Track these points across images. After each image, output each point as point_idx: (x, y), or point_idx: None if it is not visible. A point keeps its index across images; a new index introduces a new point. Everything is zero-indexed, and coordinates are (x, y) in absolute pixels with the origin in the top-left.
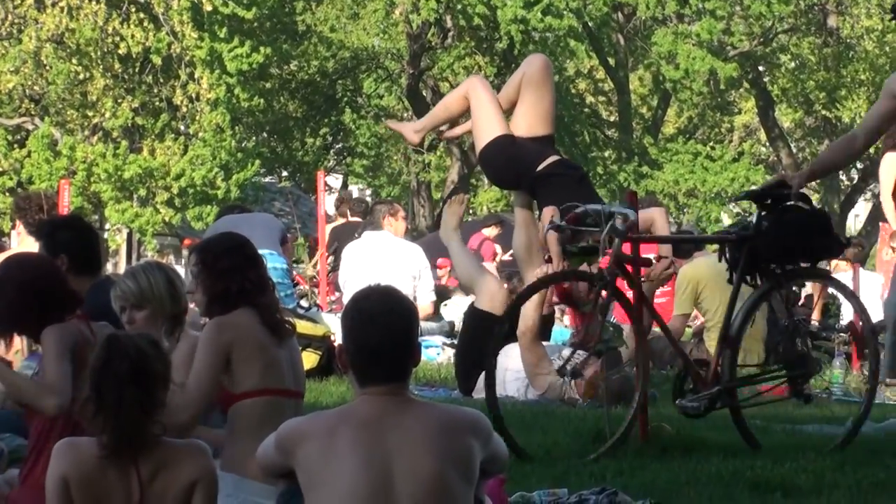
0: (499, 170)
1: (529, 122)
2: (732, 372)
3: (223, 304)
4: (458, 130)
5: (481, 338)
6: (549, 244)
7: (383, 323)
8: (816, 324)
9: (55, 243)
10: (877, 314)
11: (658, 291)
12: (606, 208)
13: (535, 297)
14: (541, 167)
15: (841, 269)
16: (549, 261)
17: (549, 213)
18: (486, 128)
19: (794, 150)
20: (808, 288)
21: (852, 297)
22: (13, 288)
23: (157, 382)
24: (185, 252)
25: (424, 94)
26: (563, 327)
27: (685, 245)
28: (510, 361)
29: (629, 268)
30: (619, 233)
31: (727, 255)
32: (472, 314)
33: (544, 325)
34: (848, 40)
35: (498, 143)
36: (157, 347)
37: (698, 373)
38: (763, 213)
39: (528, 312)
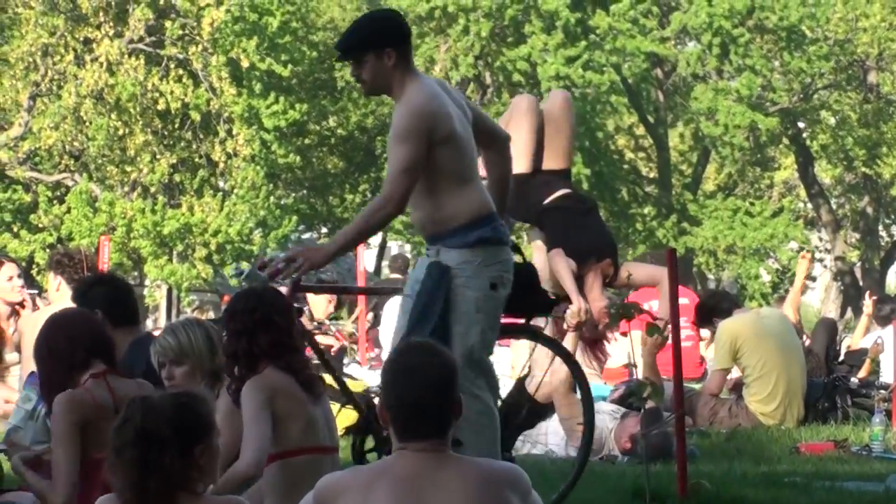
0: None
1: (545, 156)
2: None
3: (235, 364)
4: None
5: (521, 415)
6: (562, 282)
7: (424, 377)
8: (856, 381)
9: (89, 301)
10: None
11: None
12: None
13: (570, 348)
14: (548, 200)
15: (875, 328)
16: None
17: (557, 254)
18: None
19: (834, 207)
20: (849, 343)
21: (565, 357)
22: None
23: (166, 447)
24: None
25: None
26: (602, 383)
27: (725, 305)
28: (551, 421)
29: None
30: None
31: None
32: (520, 391)
33: None
34: (888, 96)
35: (516, 177)
36: (182, 410)
37: (380, 431)
38: None
39: (560, 366)
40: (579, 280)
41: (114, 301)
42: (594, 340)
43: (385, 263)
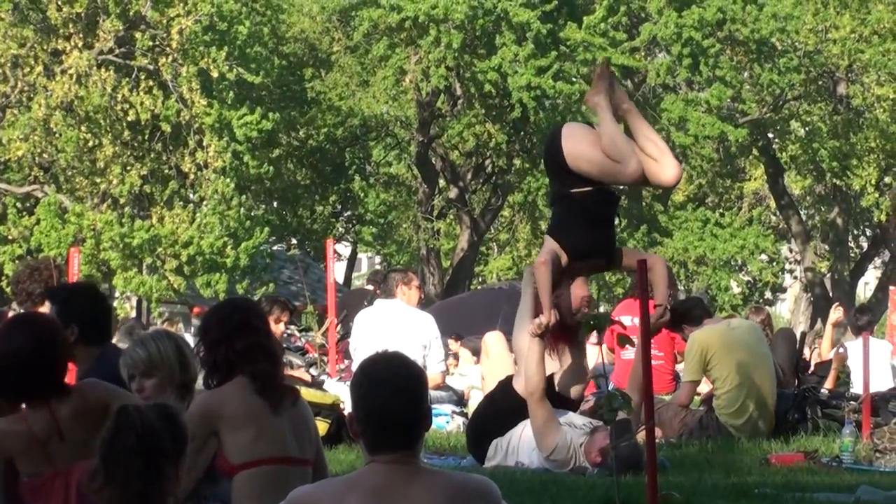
0: (550, 166)
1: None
2: None
3: (213, 374)
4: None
5: (501, 416)
6: (540, 292)
7: (393, 389)
8: (826, 392)
9: (68, 311)
10: (885, 382)
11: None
12: None
13: (536, 356)
14: (577, 190)
15: (850, 338)
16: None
17: (544, 265)
18: (593, 150)
19: (804, 218)
20: (817, 356)
21: None
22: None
23: (165, 456)
24: (194, 320)
25: (434, 161)
26: None
27: (696, 312)
28: (526, 429)
29: None
30: None
31: None
32: (505, 390)
33: None
34: (858, 108)
35: (568, 156)
36: (169, 420)
37: None
38: None
39: (532, 372)
40: (569, 272)
41: (93, 318)
42: (560, 333)
43: (355, 275)
